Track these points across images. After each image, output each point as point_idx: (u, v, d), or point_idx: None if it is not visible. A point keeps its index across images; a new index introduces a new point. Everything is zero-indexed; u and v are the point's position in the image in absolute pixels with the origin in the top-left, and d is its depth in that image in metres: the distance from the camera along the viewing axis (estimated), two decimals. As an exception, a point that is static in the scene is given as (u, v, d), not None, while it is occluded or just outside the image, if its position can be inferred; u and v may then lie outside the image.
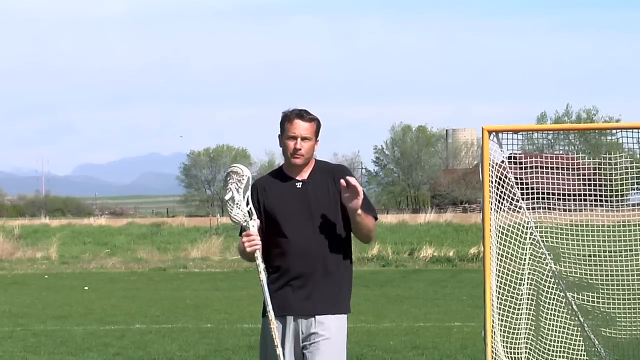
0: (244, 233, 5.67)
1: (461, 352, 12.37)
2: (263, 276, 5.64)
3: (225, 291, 23.57)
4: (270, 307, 5.63)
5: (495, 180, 7.83)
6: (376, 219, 5.88)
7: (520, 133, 8.05)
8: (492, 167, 7.76)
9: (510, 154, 8.06)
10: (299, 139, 5.76)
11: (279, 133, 5.88)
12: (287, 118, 5.81)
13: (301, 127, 5.78)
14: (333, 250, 5.79)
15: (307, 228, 5.76)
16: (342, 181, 5.62)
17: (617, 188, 8.69)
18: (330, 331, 5.76)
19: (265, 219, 5.82)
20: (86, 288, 25.01)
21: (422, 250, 33.29)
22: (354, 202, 5.64)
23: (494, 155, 7.80)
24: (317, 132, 5.86)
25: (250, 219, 5.63)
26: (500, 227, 7.95)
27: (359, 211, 5.66)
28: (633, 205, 9.33)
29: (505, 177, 7.95)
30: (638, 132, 8.07)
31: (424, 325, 15.51)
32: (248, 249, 5.63)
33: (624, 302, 8.53)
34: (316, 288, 5.76)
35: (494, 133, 7.81)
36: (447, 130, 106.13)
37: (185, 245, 37.36)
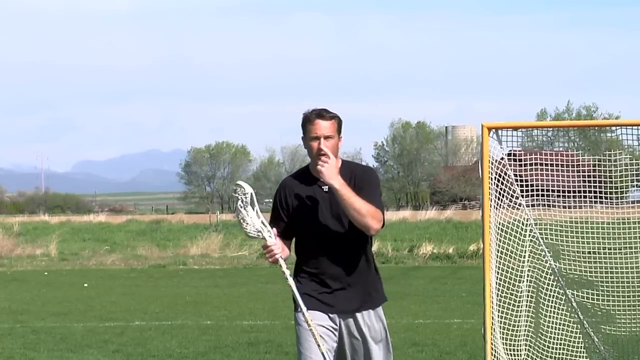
0: (262, 246, 5.76)
1: (461, 348, 12.36)
2: (291, 281, 5.74)
3: (225, 288, 23.55)
4: (303, 306, 5.72)
5: (495, 177, 7.82)
6: (379, 209, 5.79)
7: (520, 130, 8.05)
8: (492, 164, 7.76)
9: (510, 150, 8.05)
10: (322, 139, 5.79)
11: (302, 135, 5.92)
12: (308, 119, 5.85)
13: (323, 127, 5.81)
14: (360, 249, 5.89)
15: (334, 230, 5.82)
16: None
17: (616, 185, 8.69)
18: (370, 328, 5.91)
19: (293, 220, 5.90)
20: (86, 285, 24.99)
21: (421, 247, 33.20)
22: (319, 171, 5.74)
23: (494, 152, 7.79)
24: (339, 129, 5.91)
25: (265, 229, 5.72)
26: (499, 224, 7.95)
27: (331, 182, 5.69)
28: (633, 202, 9.32)
29: (505, 174, 7.95)
30: (638, 129, 8.06)
31: (424, 322, 15.50)
32: (270, 260, 5.73)
33: (623, 299, 8.53)
34: (350, 286, 5.86)
35: (494, 130, 7.81)
36: (446, 127, 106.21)
37: (185, 242, 37.27)
